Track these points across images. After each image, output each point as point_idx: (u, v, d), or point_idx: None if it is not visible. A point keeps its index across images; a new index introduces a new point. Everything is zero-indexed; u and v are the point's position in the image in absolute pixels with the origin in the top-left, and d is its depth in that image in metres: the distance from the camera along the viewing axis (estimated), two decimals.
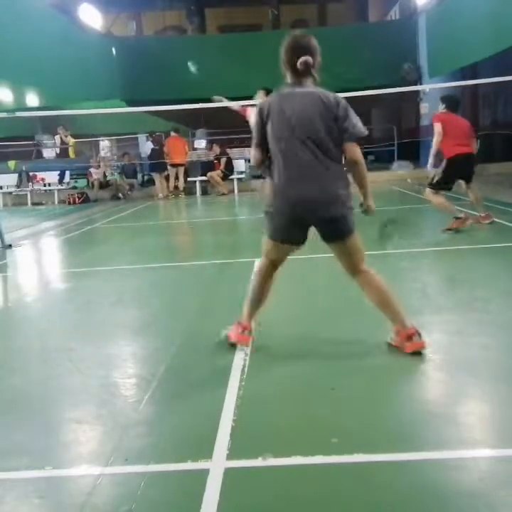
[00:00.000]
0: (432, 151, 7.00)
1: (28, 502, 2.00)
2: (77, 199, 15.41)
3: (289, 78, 3.16)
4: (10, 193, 16.27)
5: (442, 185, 6.86)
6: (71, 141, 17.49)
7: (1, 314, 4.78)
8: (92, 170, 16.21)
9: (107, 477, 2.08)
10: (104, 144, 19.53)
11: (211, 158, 15.51)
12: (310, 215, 3.07)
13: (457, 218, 6.76)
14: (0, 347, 3.76)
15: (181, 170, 15.28)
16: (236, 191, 15.35)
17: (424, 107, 16.24)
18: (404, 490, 1.92)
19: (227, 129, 19.19)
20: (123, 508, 1.89)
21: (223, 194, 14.93)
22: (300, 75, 3.14)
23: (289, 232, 3.19)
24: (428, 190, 6.96)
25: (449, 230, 6.71)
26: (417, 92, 16.21)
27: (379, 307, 3.16)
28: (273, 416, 2.49)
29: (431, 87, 15.15)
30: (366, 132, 3.16)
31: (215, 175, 15.19)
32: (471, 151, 6.90)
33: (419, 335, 3.07)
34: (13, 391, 2.95)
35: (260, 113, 3.09)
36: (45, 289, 5.60)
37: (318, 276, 5.31)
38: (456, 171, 6.84)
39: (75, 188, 16.26)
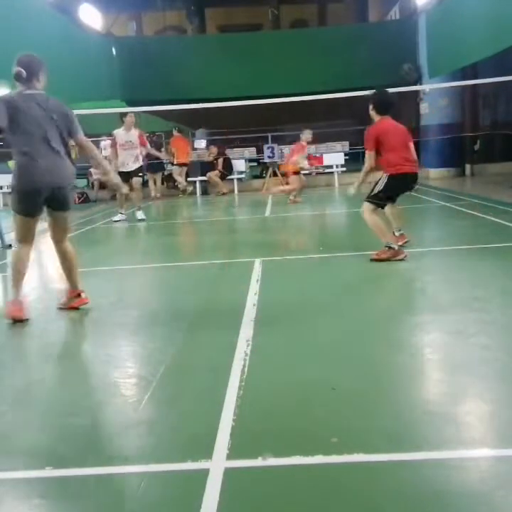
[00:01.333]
0: (360, 178, 5.78)
1: (28, 502, 2.00)
2: (77, 199, 15.40)
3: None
4: (10, 193, 16.26)
5: (382, 200, 5.63)
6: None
7: (1, 314, 4.77)
8: (91, 170, 16.20)
9: (107, 477, 2.08)
10: (106, 143, 19.42)
11: (210, 158, 15.52)
12: None
13: (389, 248, 5.44)
14: (0, 347, 3.76)
15: (184, 170, 15.32)
16: (236, 191, 15.36)
17: (424, 107, 16.23)
18: (404, 490, 1.92)
19: (228, 129, 19.22)
20: (123, 508, 1.89)
21: (223, 194, 14.94)
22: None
23: None
24: (366, 204, 5.64)
25: (376, 260, 5.41)
26: (417, 92, 16.20)
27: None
28: (273, 416, 2.50)
29: (431, 87, 15.15)
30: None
31: (214, 175, 15.21)
32: (417, 171, 5.76)
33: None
34: (14, 391, 2.95)
35: None
36: (45, 289, 5.60)
37: (318, 276, 5.31)
38: (399, 188, 5.71)
39: (74, 188, 16.25)
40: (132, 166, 10.24)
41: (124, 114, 10.53)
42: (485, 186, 12.44)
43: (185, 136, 15.83)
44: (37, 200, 4.02)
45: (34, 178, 3.92)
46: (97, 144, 17.79)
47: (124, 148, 10.08)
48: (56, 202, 4.15)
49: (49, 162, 3.95)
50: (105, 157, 16.58)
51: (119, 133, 10.26)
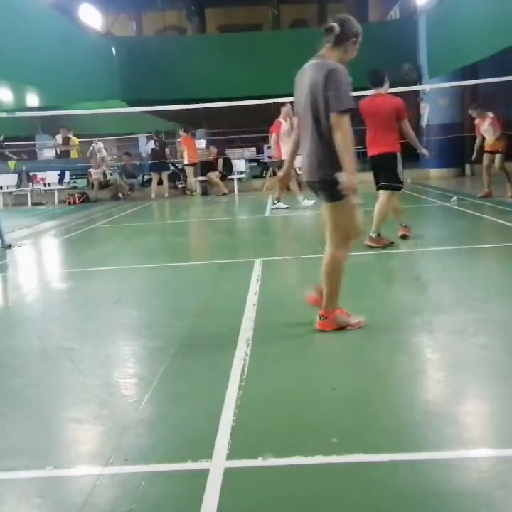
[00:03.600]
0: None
1: (28, 502, 2.00)
2: (77, 199, 15.41)
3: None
4: (10, 193, 16.26)
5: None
6: (75, 141, 17.50)
7: (1, 314, 4.78)
8: (91, 170, 16.21)
9: (107, 477, 2.08)
10: (98, 146, 19.47)
11: (210, 158, 15.53)
12: None
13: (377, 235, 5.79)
14: (0, 346, 3.76)
15: (192, 169, 15.34)
16: (236, 191, 15.35)
17: (424, 107, 16.23)
18: (404, 490, 1.92)
19: (228, 129, 19.21)
20: (123, 508, 1.89)
21: (224, 194, 14.95)
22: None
23: None
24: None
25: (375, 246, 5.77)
26: (417, 92, 16.20)
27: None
28: (273, 416, 2.50)
29: (431, 87, 15.15)
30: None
31: (214, 176, 15.22)
32: (380, 152, 5.75)
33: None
34: (13, 391, 2.95)
35: None
36: (45, 289, 5.60)
37: (318, 276, 5.30)
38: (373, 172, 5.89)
39: (75, 188, 16.27)
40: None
41: (282, 105, 10.53)
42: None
43: (192, 136, 15.85)
44: None
45: None
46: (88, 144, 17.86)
47: (286, 136, 10.21)
48: None
49: None
50: (102, 158, 16.63)
51: (283, 123, 10.39)
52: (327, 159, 3.26)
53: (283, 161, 10.26)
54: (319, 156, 3.31)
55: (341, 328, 3.47)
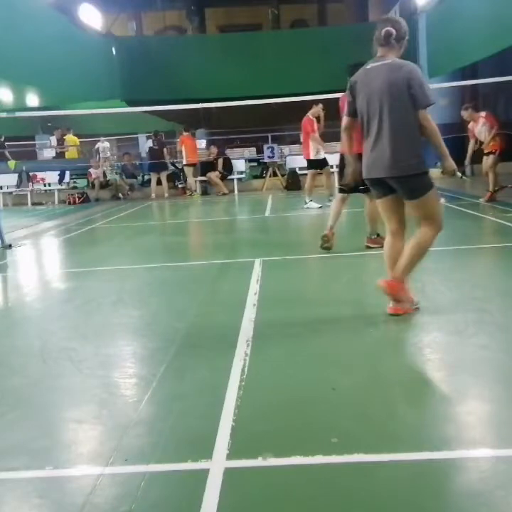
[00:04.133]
0: None
1: (28, 502, 2.00)
2: (77, 199, 15.42)
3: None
4: (10, 193, 16.27)
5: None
6: (72, 140, 17.51)
7: (1, 314, 4.78)
8: (91, 170, 16.22)
9: (107, 477, 2.08)
10: (104, 145, 19.58)
11: (210, 158, 15.53)
12: None
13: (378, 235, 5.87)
14: (0, 347, 3.76)
15: (191, 170, 15.34)
16: (236, 191, 15.35)
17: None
18: (404, 490, 1.92)
19: (228, 129, 19.20)
20: (123, 508, 1.89)
21: (224, 194, 14.95)
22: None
23: None
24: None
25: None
26: None
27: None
28: (273, 416, 2.50)
29: (431, 87, 15.14)
30: None
31: (214, 176, 15.22)
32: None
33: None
34: (13, 391, 2.95)
35: None
36: (45, 289, 5.60)
37: (318, 276, 5.31)
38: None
39: (75, 188, 16.27)
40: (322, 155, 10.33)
41: (316, 103, 10.52)
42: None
43: (192, 136, 15.86)
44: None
45: None
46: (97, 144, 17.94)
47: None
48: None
49: None
50: (105, 159, 16.69)
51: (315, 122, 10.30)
52: (414, 155, 3.51)
53: (311, 160, 10.26)
54: (405, 152, 3.49)
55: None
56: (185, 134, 15.43)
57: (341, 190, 6.12)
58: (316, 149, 10.15)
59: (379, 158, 3.54)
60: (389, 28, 3.47)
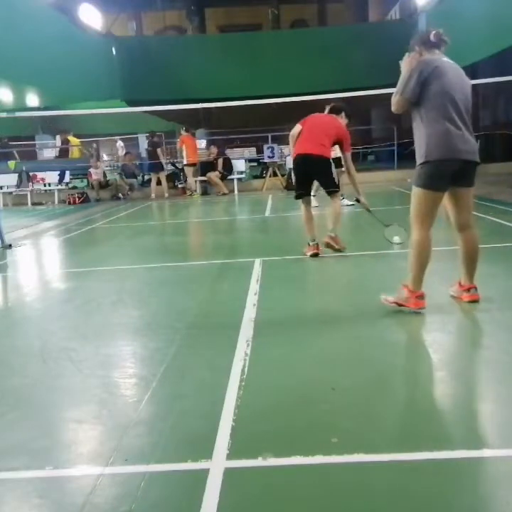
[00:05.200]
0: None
1: (28, 502, 2.00)
2: (77, 199, 15.42)
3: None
4: (10, 193, 16.27)
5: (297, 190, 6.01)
6: (74, 141, 17.57)
7: (1, 314, 4.78)
8: (91, 170, 16.22)
9: (107, 477, 2.08)
10: (119, 144, 19.88)
11: (210, 158, 15.53)
12: None
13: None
14: (0, 346, 3.76)
15: (191, 170, 15.35)
16: (236, 191, 15.35)
17: None
18: (404, 490, 1.92)
19: (228, 129, 19.21)
20: (123, 508, 1.89)
21: (224, 194, 14.95)
22: None
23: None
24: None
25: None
26: None
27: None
28: (273, 416, 2.50)
29: None
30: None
31: (214, 176, 15.22)
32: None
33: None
34: (13, 391, 2.95)
35: None
36: (45, 289, 5.60)
37: (318, 276, 5.31)
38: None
39: (75, 188, 16.28)
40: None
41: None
42: (485, 186, 12.43)
43: (192, 136, 15.88)
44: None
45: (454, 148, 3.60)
46: (97, 144, 18.00)
47: None
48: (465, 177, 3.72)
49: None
50: (119, 157, 16.89)
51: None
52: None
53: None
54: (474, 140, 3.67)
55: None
56: (185, 133, 15.41)
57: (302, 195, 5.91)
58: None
59: (469, 142, 3.61)
60: (445, 37, 3.70)
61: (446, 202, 3.74)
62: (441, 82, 3.55)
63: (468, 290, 3.85)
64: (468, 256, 3.81)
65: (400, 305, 3.73)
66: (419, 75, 3.54)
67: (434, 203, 3.61)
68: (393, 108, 3.70)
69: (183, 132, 15.65)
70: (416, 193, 3.63)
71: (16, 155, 15.69)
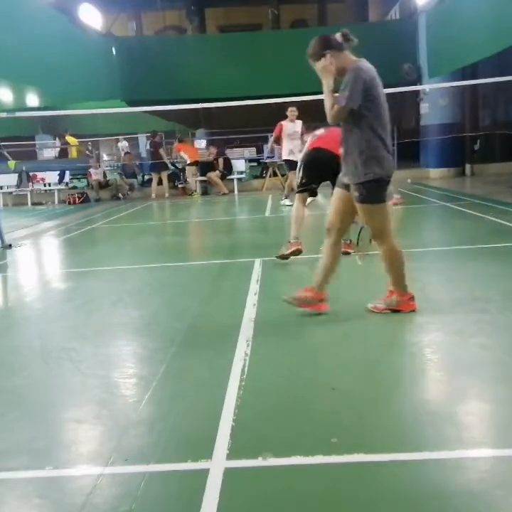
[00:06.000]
0: None
1: (28, 502, 2.00)
2: (77, 199, 15.41)
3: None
4: (10, 193, 16.27)
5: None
6: (75, 141, 17.60)
7: (1, 314, 4.78)
8: (91, 170, 16.22)
9: (107, 477, 2.08)
10: (123, 144, 19.97)
11: (210, 158, 15.54)
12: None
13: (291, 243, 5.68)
14: (0, 346, 3.76)
15: (192, 169, 15.41)
16: (236, 191, 15.35)
17: (424, 107, 16.23)
18: (404, 490, 1.92)
19: (228, 129, 19.21)
20: (123, 508, 1.89)
21: (224, 194, 14.95)
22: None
23: None
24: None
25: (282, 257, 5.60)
26: (417, 92, 16.20)
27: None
28: (273, 416, 2.50)
29: (431, 87, 15.15)
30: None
31: (214, 175, 15.22)
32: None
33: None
34: (13, 391, 2.95)
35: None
36: (45, 289, 5.60)
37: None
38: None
39: (75, 188, 16.27)
40: (298, 156, 10.46)
41: (286, 109, 10.71)
42: (485, 186, 12.44)
43: (187, 143, 16.22)
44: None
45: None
46: (97, 144, 18.02)
47: (291, 138, 10.24)
48: None
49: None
50: (125, 153, 17.10)
51: (287, 125, 10.41)
52: None
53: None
54: None
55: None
56: (178, 144, 15.81)
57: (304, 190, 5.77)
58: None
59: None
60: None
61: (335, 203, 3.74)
62: (379, 91, 3.49)
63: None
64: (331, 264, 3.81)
65: (394, 310, 3.74)
66: (363, 83, 3.39)
67: (386, 212, 3.65)
68: (332, 120, 3.51)
69: (176, 142, 16.00)
70: (375, 209, 3.55)
71: (7, 155, 15.70)
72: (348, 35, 3.52)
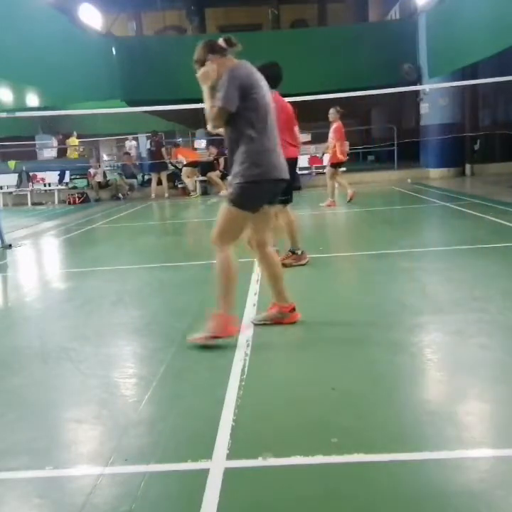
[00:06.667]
0: None
1: (28, 502, 2.00)
2: (77, 199, 15.42)
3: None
4: (10, 193, 16.27)
5: None
6: (75, 142, 17.62)
7: (1, 314, 4.78)
8: (91, 170, 16.22)
9: (107, 477, 2.08)
10: (131, 143, 20.02)
11: (210, 158, 15.55)
12: None
13: (293, 253, 5.65)
14: (0, 346, 3.76)
15: (188, 169, 15.45)
16: None
17: (424, 107, 16.24)
18: (404, 490, 1.92)
19: None
20: (123, 508, 1.89)
21: (224, 194, 14.95)
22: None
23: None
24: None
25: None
26: (417, 92, 16.20)
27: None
28: (273, 416, 2.50)
29: (431, 87, 15.15)
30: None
31: (214, 175, 15.22)
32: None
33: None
34: (13, 391, 2.95)
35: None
36: (45, 289, 5.60)
37: (317, 276, 5.31)
38: None
39: (75, 188, 16.28)
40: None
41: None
42: (485, 186, 12.44)
43: (184, 147, 16.58)
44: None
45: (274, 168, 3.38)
46: (97, 144, 18.00)
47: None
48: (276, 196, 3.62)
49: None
50: (131, 156, 17.27)
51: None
52: None
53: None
54: None
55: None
56: (176, 149, 16.40)
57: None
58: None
59: (282, 158, 3.45)
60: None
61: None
62: (260, 91, 3.33)
63: (294, 310, 3.70)
64: (273, 274, 3.62)
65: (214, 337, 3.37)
66: (238, 82, 3.24)
67: (257, 220, 3.47)
68: (212, 125, 3.34)
69: (173, 149, 16.58)
70: (239, 215, 3.35)
71: None
72: (230, 40, 3.40)
